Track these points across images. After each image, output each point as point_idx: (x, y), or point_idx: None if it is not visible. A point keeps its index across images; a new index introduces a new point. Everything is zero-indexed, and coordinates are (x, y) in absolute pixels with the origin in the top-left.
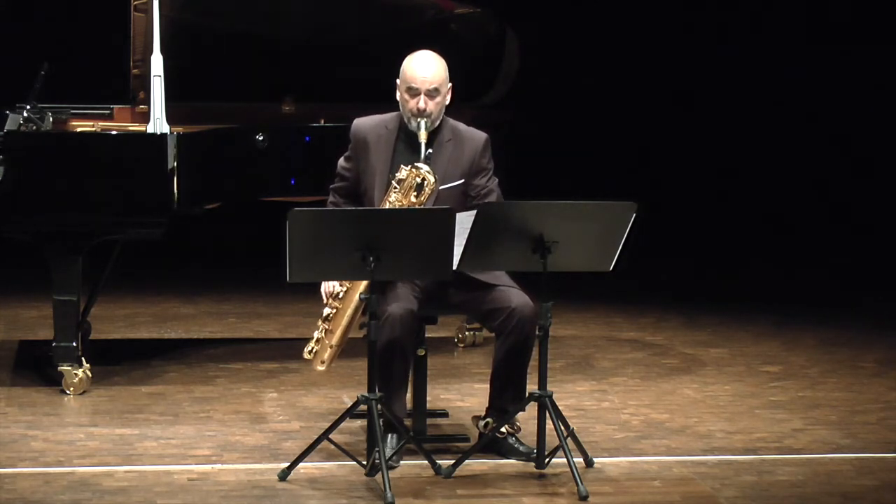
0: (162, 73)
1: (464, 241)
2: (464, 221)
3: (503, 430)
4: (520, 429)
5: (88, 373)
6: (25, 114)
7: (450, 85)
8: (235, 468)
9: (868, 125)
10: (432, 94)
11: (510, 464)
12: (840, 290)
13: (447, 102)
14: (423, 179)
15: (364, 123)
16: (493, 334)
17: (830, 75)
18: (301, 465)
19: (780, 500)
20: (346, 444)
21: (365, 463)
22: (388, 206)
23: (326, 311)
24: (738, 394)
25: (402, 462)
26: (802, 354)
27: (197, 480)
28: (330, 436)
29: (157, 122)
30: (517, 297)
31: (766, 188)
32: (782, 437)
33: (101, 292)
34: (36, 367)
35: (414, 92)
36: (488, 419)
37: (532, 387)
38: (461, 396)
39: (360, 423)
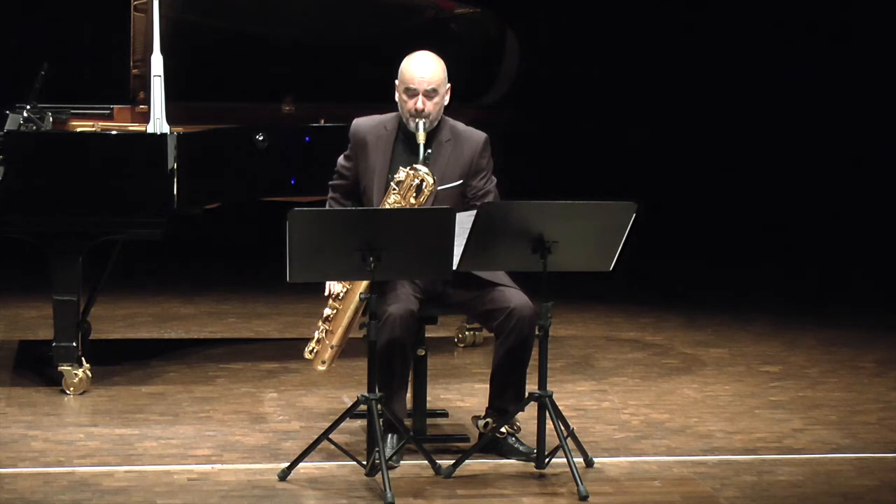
0: (162, 73)
1: (464, 241)
2: (464, 221)
3: (503, 430)
4: (520, 429)
5: (88, 373)
6: (25, 114)
7: (448, 85)
8: (235, 468)
9: (869, 125)
10: (430, 94)
11: (510, 464)
12: (840, 290)
13: (446, 103)
14: (422, 181)
15: (363, 123)
16: (492, 334)
17: (831, 75)
18: (301, 465)
19: (780, 500)
20: (346, 444)
21: (365, 463)
22: (387, 208)
23: (327, 311)
24: (738, 394)
25: (402, 462)
26: (802, 354)
27: (197, 480)
28: (330, 436)
29: (157, 122)
30: (516, 298)
31: (766, 188)
32: (782, 437)
33: (101, 292)
34: (36, 367)
35: (412, 92)
36: (488, 419)
37: (532, 387)
38: (461, 396)
39: (360, 423)
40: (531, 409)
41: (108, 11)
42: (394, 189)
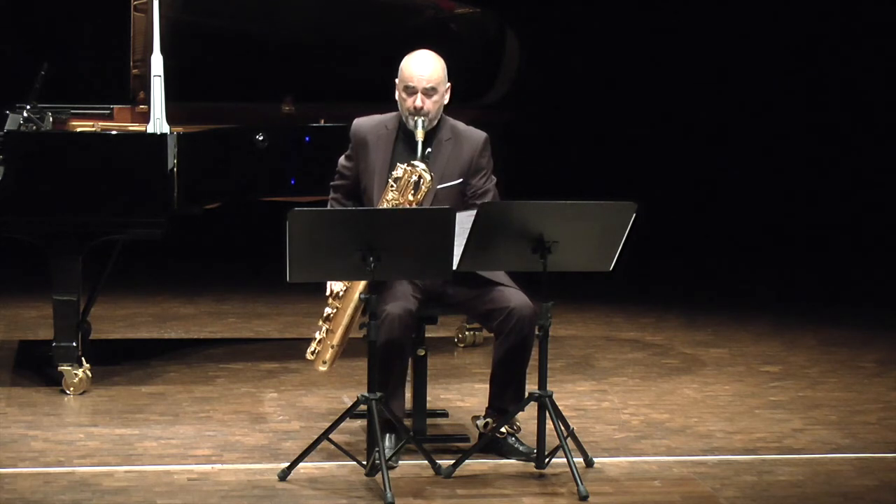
0: (162, 73)
1: (464, 241)
2: (464, 221)
3: (503, 430)
4: (520, 429)
5: (88, 373)
6: (25, 114)
7: (448, 84)
8: (235, 468)
9: (869, 124)
10: (429, 92)
11: (510, 464)
12: (840, 290)
13: (445, 102)
14: (420, 177)
15: (364, 123)
16: (492, 334)
17: (830, 74)
18: (301, 465)
19: (780, 500)
20: (346, 444)
21: (365, 463)
22: (385, 204)
23: (327, 310)
24: (738, 394)
25: (401, 462)
26: (802, 354)
27: (197, 480)
28: (330, 436)
29: (157, 122)
30: (516, 298)
31: (766, 188)
32: (782, 437)
33: (101, 292)
34: (36, 367)
35: (411, 91)
36: (488, 419)
37: (532, 387)
38: (461, 396)
39: (360, 423)
40: (531, 409)
41: (108, 11)
42: (391, 186)
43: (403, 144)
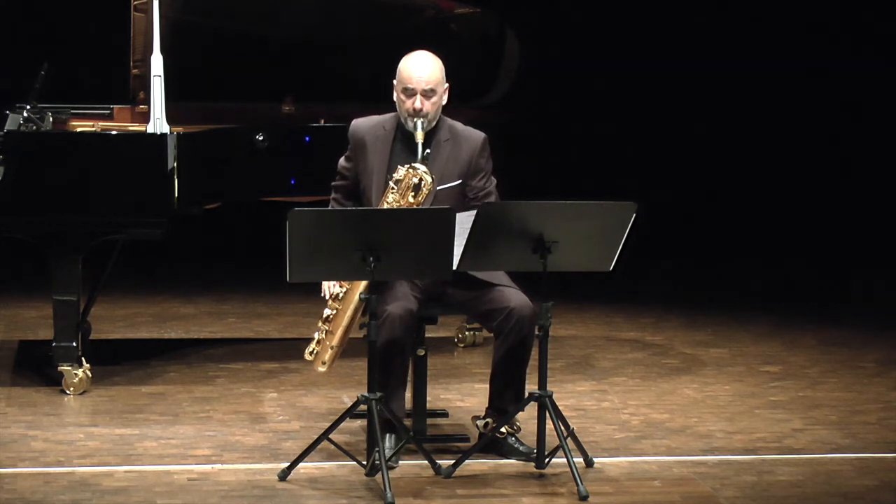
0: (162, 73)
1: (464, 241)
2: (464, 221)
3: (503, 430)
4: (520, 429)
5: (88, 373)
6: (25, 114)
7: (446, 85)
8: (235, 468)
9: (869, 124)
10: (428, 94)
11: (510, 464)
12: (840, 289)
13: (444, 102)
14: (421, 179)
15: (362, 124)
16: (492, 334)
17: (831, 74)
18: (301, 465)
19: (780, 500)
20: (346, 444)
21: (365, 463)
22: (385, 206)
23: (327, 311)
24: (738, 394)
25: (401, 462)
26: (802, 354)
27: (197, 480)
28: (330, 436)
29: (157, 122)
30: (516, 298)
31: (766, 188)
32: (782, 437)
33: (101, 292)
34: (36, 367)
35: (410, 92)
36: (488, 419)
37: (532, 387)
38: (461, 396)
39: (360, 423)
40: (531, 409)
41: (108, 11)
42: (392, 188)
43: (401, 145)
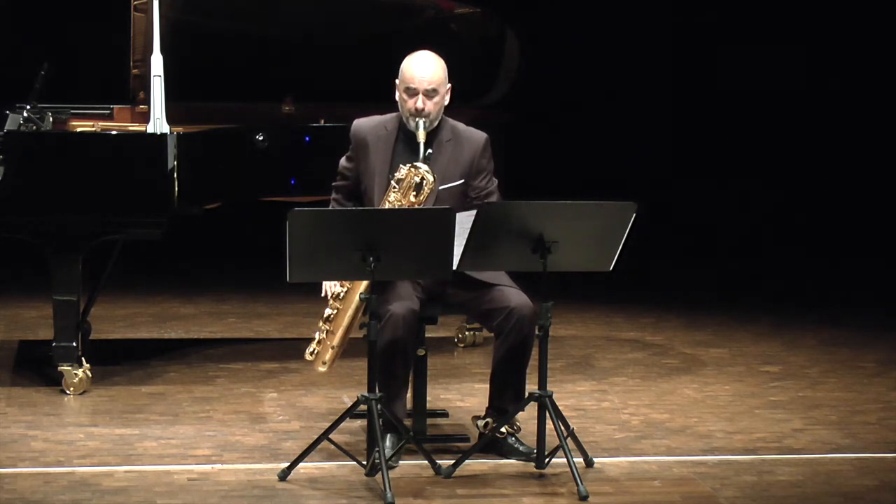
0: (162, 73)
1: (464, 241)
2: (464, 221)
3: (503, 430)
4: (520, 429)
5: (88, 373)
6: (25, 114)
7: (448, 85)
8: (235, 468)
9: (870, 123)
10: (430, 94)
11: (510, 464)
12: (840, 290)
13: (446, 103)
14: (422, 179)
15: (364, 124)
16: (492, 334)
17: (830, 73)
18: (301, 465)
19: (780, 500)
20: (346, 444)
21: (365, 463)
22: (387, 205)
23: (327, 311)
24: (738, 394)
25: (401, 462)
26: (802, 354)
27: (197, 480)
28: (330, 436)
29: (157, 122)
30: (516, 297)
31: (766, 187)
32: (782, 437)
33: (101, 292)
34: (36, 367)
35: (412, 92)
36: (488, 419)
37: (532, 387)
38: (461, 396)
39: (360, 423)
40: (531, 409)
41: (108, 11)
42: (394, 187)
43: (403, 145)
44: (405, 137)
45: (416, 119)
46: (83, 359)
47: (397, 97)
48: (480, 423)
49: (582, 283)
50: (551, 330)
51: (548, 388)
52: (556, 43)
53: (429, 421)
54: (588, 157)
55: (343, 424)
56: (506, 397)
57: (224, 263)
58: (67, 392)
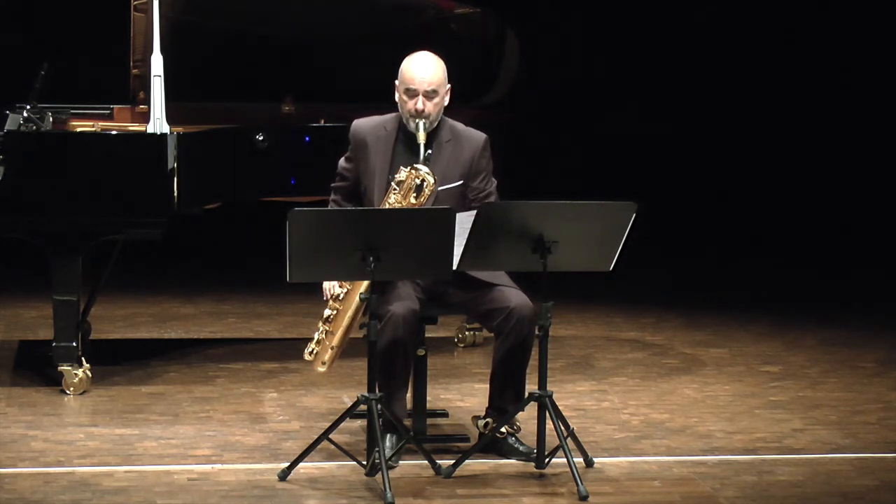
0: (162, 73)
1: (464, 242)
2: (464, 221)
3: (503, 430)
4: (520, 429)
5: (88, 373)
6: (25, 114)
7: (448, 86)
8: (235, 468)
9: (870, 123)
10: (430, 95)
11: (510, 464)
12: (840, 289)
13: (446, 103)
14: (423, 181)
15: (363, 124)
16: (492, 334)
17: (829, 74)
18: (301, 465)
19: (780, 500)
20: (346, 444)
21: (365, 463)
22: (387, 207)
23: (327, 312)
24: (738, 394)
25: (401, 462)
26: (802, 354)
27: (197, 480)
28: (330, 436)
29: (157, 122)
30: (516, 297)
31: (766, 187)
32: (782, 437)
33: (101, 292)
34: (36, 367)
35: (412, 93)
36: (488, 419)
37: (532, 387)
38: (461, 396)
39: (360, 423)
40: (531, 409)
41: (108, 11)
42: (394, 189)
43: (403, 146)
44: (405, 138)
45: (416, 120)
46: (83, 359)
47: (397, 98)
48: (480, 423)
49: (582, 283)
50: (551, 330)
51: (548, 388)
52: (555, 43)
53: (429, 421)
54: (588, 157)
55: (343, 424)
56: (506, 397)
57: (224, 263)
58: (67, 392)
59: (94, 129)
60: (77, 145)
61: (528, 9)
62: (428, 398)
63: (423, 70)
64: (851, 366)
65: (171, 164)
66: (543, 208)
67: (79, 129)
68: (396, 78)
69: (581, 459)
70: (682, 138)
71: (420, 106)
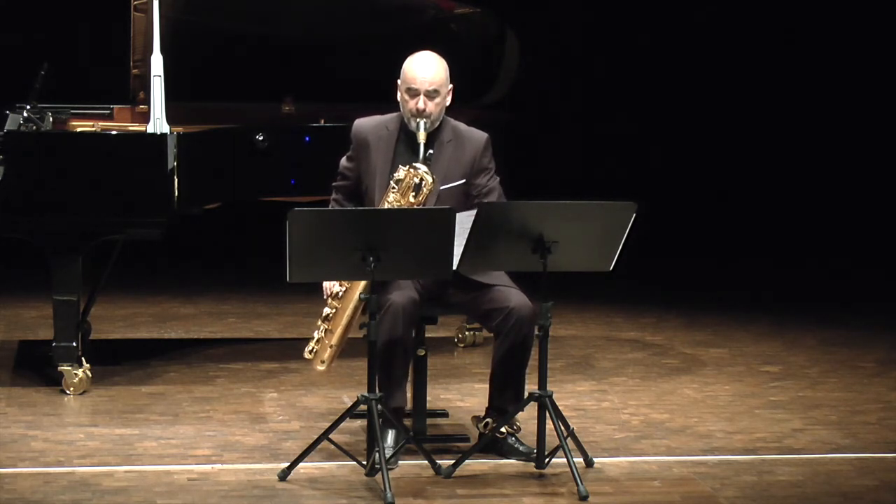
0: (162, 73)
1: (464, 241)
2: (464, 221)
3: (503, 430)
4: (520, 429)
5: (88, 373)
6: (25, 114)
7: (450, 86)
8: (235, 468)
9: (870, 123)
10: (432, 94)
11: (510, 464)
12: (840, 289)
13: (447, 103)
14: (421, 180)
15: (365, 124)
16: (492, 334)
17: (830, 72)
18: (301, 465)
19: (780, 500)
20: (346, 444)
21: (365, 463)
22: (386, 206)
23: (326, 310)
24: (738, 394)
25: (401, 462)
26: (802, 354)
27: (197, 480)
28: (330, 436)
29: (157, 122)
30: (516, 297)
31: (766, 187)
32: (782, 437)
33: (101, 292)
34: (36, 367)
35: (414, 92)
36: (488, 419)
37: (532, 387)
38: (461, 396)
39: (360, 423)
40: (531, 409)
41: (108, 11)
42: (393, 188)
43: (405, 145)
44: (406, 138)
45: (418, 120)
46: (83, 359)
47: (399, 97)
48: (480, 423)
49: (582, 283)
50: (551, 330)
51: (548, 388)
52: (556, 43)
53: (429, 421)
54: (588, 157)
55: (343, 424)
56: (506, 397)
57: (224, 263)
58: (67, 392)
59: (94, 129)
60: (77, 145)
61: (528, 9)
62: (428, 398)
63: (425, 70)
64: (851, 366)
65: (171, 164)
66: (543, 208)
67: (79, 129)
68: (396, 78)
69: (581, 459)
70: (683, 138)
71: (421, 105)
